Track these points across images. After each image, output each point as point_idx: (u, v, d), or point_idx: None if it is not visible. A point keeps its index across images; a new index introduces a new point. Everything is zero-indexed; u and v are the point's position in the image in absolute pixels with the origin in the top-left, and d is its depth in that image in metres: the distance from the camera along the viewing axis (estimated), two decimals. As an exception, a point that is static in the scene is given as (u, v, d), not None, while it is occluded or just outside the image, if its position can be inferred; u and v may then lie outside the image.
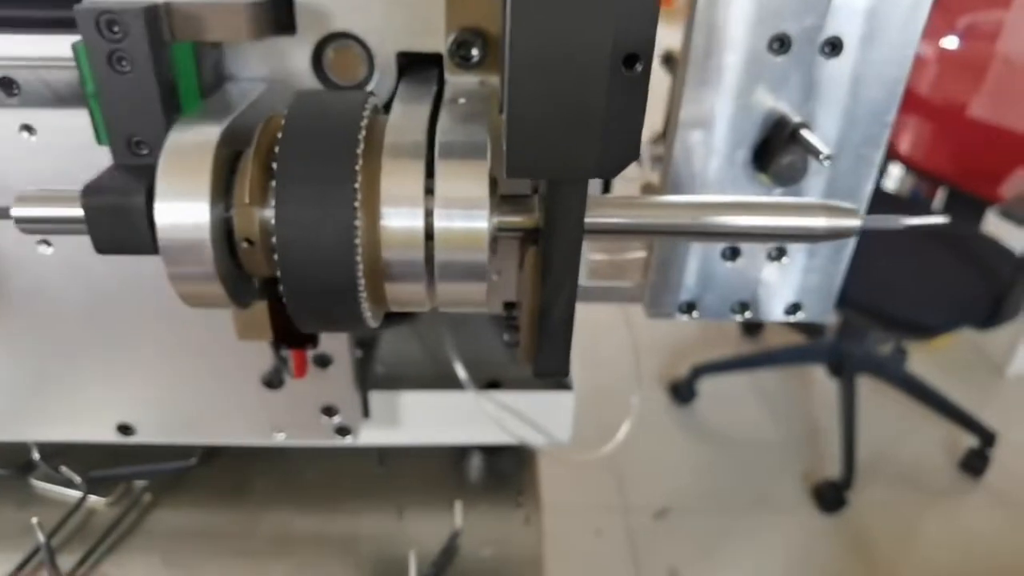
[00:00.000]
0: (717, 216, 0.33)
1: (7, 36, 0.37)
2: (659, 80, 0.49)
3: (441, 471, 0.63)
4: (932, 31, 1.56)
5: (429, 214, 0.29)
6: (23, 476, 0.61)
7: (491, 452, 0.65)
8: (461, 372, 0.56)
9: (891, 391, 1.82)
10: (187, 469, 0.62)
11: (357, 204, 0.28)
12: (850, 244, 0.46)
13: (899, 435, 1.85)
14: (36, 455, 0.61)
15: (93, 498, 0.59)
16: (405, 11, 0.37)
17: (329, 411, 0.53)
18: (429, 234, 0.29)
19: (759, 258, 0.46)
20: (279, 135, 0.29)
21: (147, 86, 0.32)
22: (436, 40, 0.37)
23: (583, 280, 0.50)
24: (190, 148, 0.30)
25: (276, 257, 0.29)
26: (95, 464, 0.60)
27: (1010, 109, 1.46)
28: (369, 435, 0.56)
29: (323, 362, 0.50)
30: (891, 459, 1.78)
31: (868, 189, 0.43)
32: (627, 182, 0.56)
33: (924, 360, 1.97)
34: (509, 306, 0.44)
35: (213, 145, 0.30)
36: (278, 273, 0.29)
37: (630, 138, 0.27)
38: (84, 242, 0.32)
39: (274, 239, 0.28)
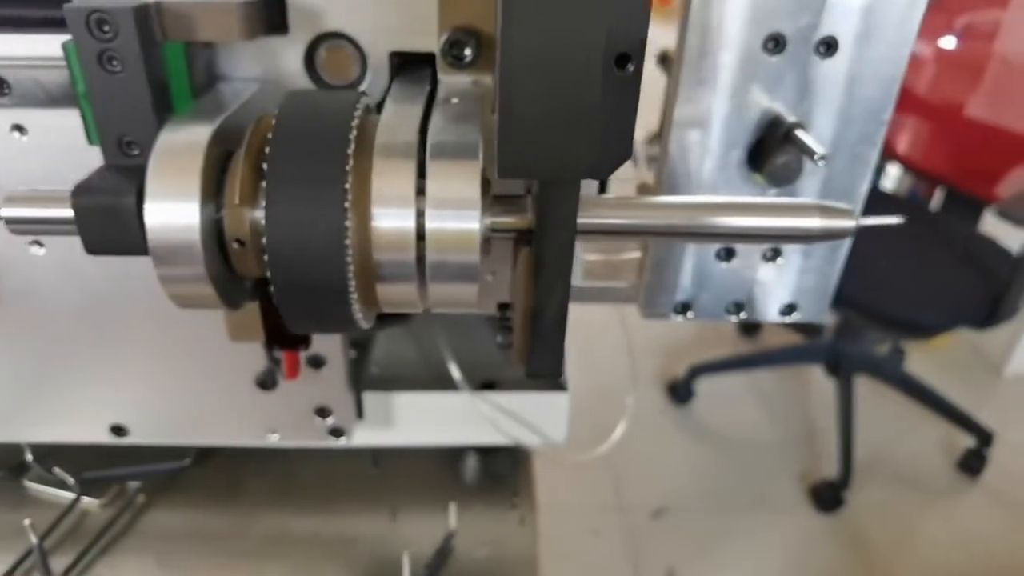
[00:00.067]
0: (711, 217, 0.33)
1: (-2, 35, 0.37)
2: (655, 79, 0.49)
3: (436, 472, 0.63)
4: (930, 31, 1.56)
5: (420, 214, 0.29)
6: (16, 477, 0.61)
7: (486, 453, 0.65)
8: (456, 373, 0.56)
9: (889, 391, 1.82)
10: (181, 470, 0.61)
11: (348, 204, 0.28)
12: (846, 244, 0.46)
13: (897, 435, 1.85)
14: (29, 456, 0.61)
15: (86, 499, 0.59)
16: (398, 11, 0.37)
17: (323, 412, 0.53)
18: (420, 235, 0.29)
19: (754, 259, 0.45)
20: (270, 135, 0.29)
21: (138, 86, 0.32)
22: (429, 40, 0.37)
23: (578, 280, 0.49)
24: (181, 148, 0.30)
25: (266, 258, 0.28)
26: (88, 465, 0.60)
27: (1008, 109, 1.46)
28: (363, 436, 0.56)
29: (316, 363, 0.50)
30: (889, 459, 1.78)
31: (864, 189, 0.43)
32: (622, 182, 0.56)
33: (922, 360, 1.97)
34: (503, 307, 0.44)
35: (204, 145, 0.30)
36: (268, 274, 0.29)
37: (623, 138, 0.27)
38: (76, 243, 0.31)
39: (264, 240, 0.28)
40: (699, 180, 0.42)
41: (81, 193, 0.31)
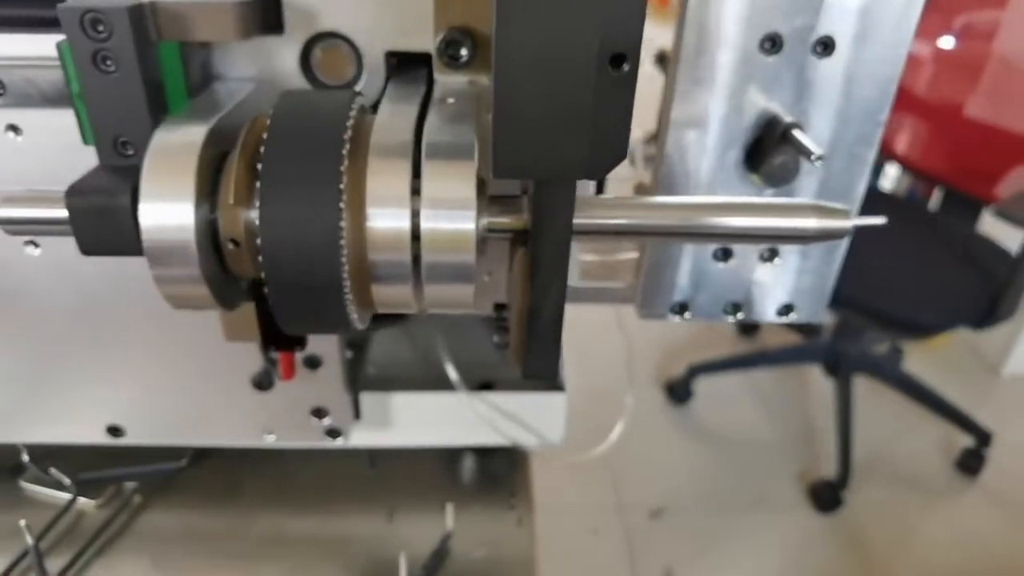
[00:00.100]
0: (707, 217, 0.33)
1: (-7, 35, 0.37)
2: (653, 80, 0.49)
3: (433, 473, 0.63)
4: (929, 31, 1.56)
5: (416, 215, 0.29)
6: (12, 478, 0.61)
7: (483, 453, 0.64)
8: (452, 373, 0.56)
9: (887, 391, 1.82)
10: (177, 471, 0.61)
11: (343, 204, 0.28)
12: (843, 245, 0.46)
13: (895, 435, 1.85)
14: (26, 457, 0.61)
15: (83, 500, 0.59)
16: (394, 10, 0.37)
17: (319, 413, 0.53)
18: (416, 235, 0.29)
19: (751, 259, 0.45)
20: (264, 135, 0.29)
21: (133, 86, 0.32)
22: (425, 39, 0.37)
23: (575, 281, 0.49)
24: (175, 148, 0.30)
25: (260, 258, 0.28)
26: (85, 466, 0.60)
27: (1006, 109, 1.46)
28: (360, 437, 0.56)
29: (313, 364, 0.50)
30: (887, 459, 1.78)
31: (861, 189, 0.43)
32: (620, 182, 0.56)
33: (920, 360, 1.97)
34: (499, 307, 0.44)
35: (198, 146, 0.30)
36: (262, 274, 0.29)
37: (618, 138, 0.27)
38: (72, 243, 0.31)
39: (259, 240, 0.28)
40: (696, 180, 0.42)
41: (75, 193, 0.31)
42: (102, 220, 0.31)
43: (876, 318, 1.44)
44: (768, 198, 0.36)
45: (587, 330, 0.65)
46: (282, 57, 0.38)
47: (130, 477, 0.61)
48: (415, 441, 0.59)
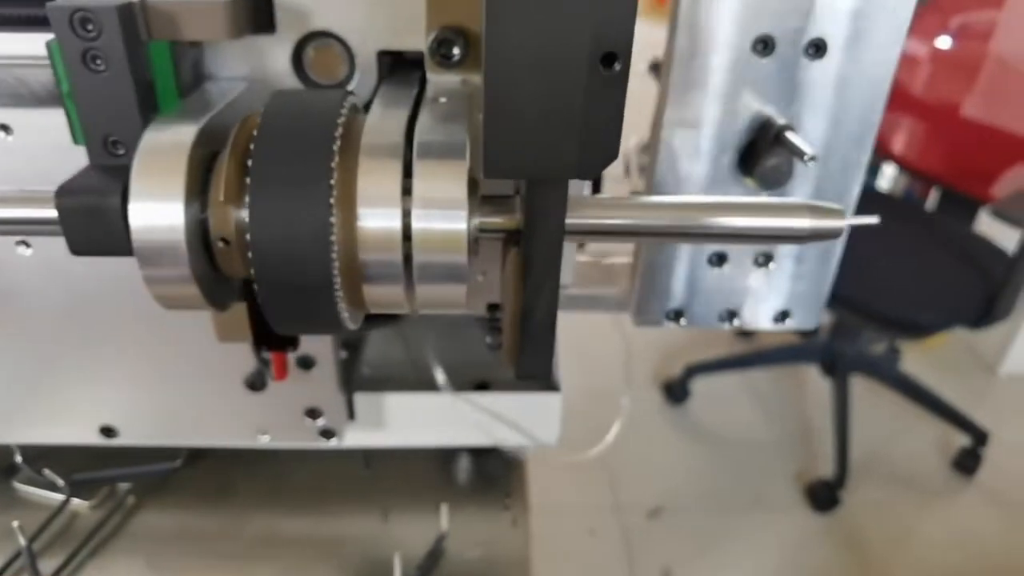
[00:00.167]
0: (700, 217, 0.33)
1: (-18, 34, 0.37)
2: (649, 87, 0.49)
3: (428, 473, 0.63)
4: (926, 30, 1.57)
5: (407, 214, 0.29)
6: (5, 479, 0.60)
7: (479, 454, 0.64)
8: (440, 376, 0.55)
9: (884, 390, 1.82)
10: (171, 471, 0.61)
11: (333, 203, 0.28)
12: (838, 250, 0.46)
13: (892, 434, 1.85)
14: (19, 458, 0.61)
15: (76, 501, 0.59)
16: (386, 9, 0.37)
17: (313, 413, 0.53)
18: (407, 235, 0.29)
19: (746, 264, 0.45)
20: (255, 133, 0.29)
21: (123, 85, 0.32)
22: (417, 39, 0.37)
23: (570, 289, 0.49)
24: (165, 148, 0.30)
25: (251, 256, 0.28)
26: (78, 467, 0.60)
27: (1003, 109, 1.46)
28: (354, 437, 0.56)
29: (306, 364, 0.50)
30: (884, 458, 1.78)
31: (855, 192, 0.43)
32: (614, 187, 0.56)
33: (917, 359, 1.97)
34: (493, 308, 0.44)
35: (188, 145, 0.30)
36: (253, 273, 0.29)
37: (609, 138, 0.27)
38: (63, 243, 0.31)
39: (249, 238, 0.28)
40: (690, 184, 0.42)
41: (65, 194, 0.31)
42: (92, 220, 0.31)
43: (873, 318, 1.44)
44: (761, 198, 0.36)
45: (585, 331, 0.65)
46: (274, 56, 0.38)
47: (124, 478, 0.60)
48: (410, 441, 0.59)
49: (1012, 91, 1.46)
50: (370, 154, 0.29)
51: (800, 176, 0.42)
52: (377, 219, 0.29)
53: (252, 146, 0.28)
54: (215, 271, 0.32)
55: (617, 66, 0.25)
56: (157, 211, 0.29)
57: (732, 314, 0.47)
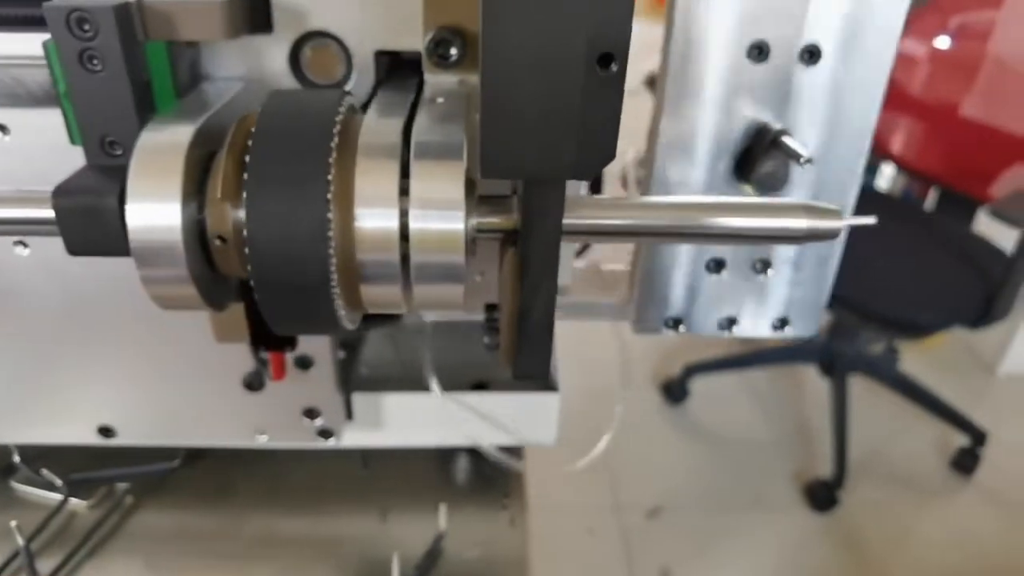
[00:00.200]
0: (697, 217, 0.33)
1: (-21, 35, 0.37)
2: (644, 101, 0.49)
3: (426, 473, 0.63)
4: (925, 30, 1.57)
5: (404, 214, 0.29)
6: (3, 479, 0.60)
7: (477, 454, 0.64)
8: (432, 380, 0.55)
9: (883, 390, 1.82)
10: (169, 471, 0.61)
11: (330, 203, 0.28)
12: (836, 257, 0.46)
13: (891, 434, 1.85)
14: (17, 458, 0.61)
15: (74, 501, 0.59)
16: (383, 9, 0.37)
17: (311, 413, 0.53)
18: (404, 235, 0.29)
19: (744, 271, 0.45)
20: (252, 132, 0.29)
21: (119, 85, 0.32)
22: (415, 39, 0.37)
23: (568, 297, 0.49)
24: (162, 148, 0.30)
25: (247, 253, 0.28)
26: (76, 466, 0.60)
27: (1001, 109, 1.46)
28: (353, 437, 0.56)
29: (304, 364, 0.50)
30: (883, 458, 1.78)
31: (852, 196, 0.43)
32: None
33: (916, 359, 1.97)
34: (490, 308, 0.44)
35: (185, 145, 0.30)
36: (250, 272, 0.29)
37: (606, 139, 0.27)
38: (60, 243, 0.31)
39: (246, 237, 0.28)
40: (686, 190, 0.42)
41: (62, 194, 0.31)
42: (89, 220, 0.31)
43: (871, 318, 1.44)
44: (759, 198, 0.36)
45: (583, 331, 0.65)
46: (271, 56, 0.38)
47: (122, 478, 0.60)
48: (408, 441, 0.59)
49: (1011, 91, 1.46)
50: (367, 154, 0.29)
51: (797, 182, 0.42)
52: (374, 219, 0.29)
53: (249, 145, 0.28)
54: (212, 271, 0.32)
55: (614, 66, 0.25)
56: (154, 211, 0.29)
57: (731, 321, 0.47)
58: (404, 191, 0.29)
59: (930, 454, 1.79)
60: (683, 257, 0.45)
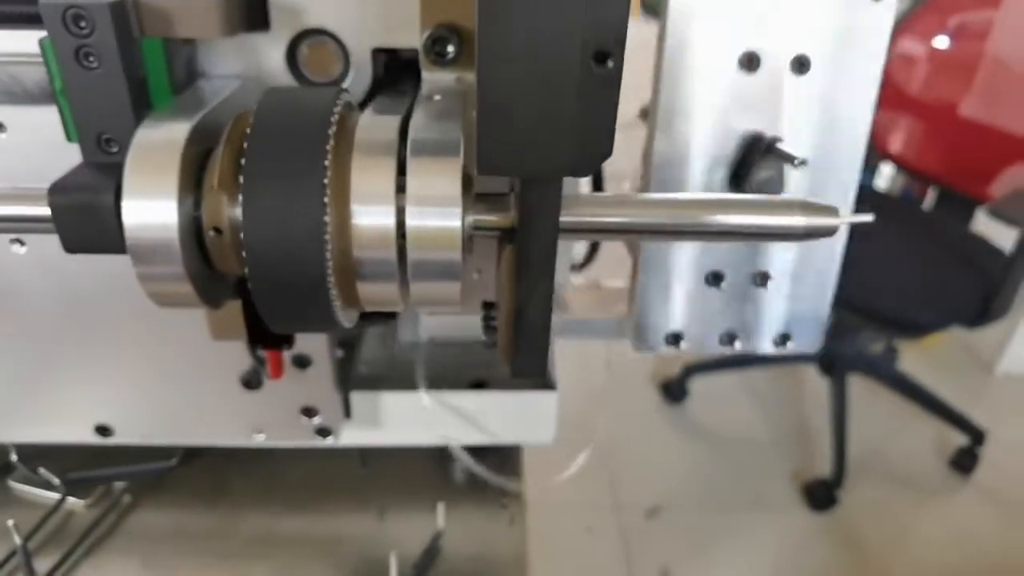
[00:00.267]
0: (695, 214, 0.32)
1: (-26, 32, 0.37)
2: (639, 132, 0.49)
3: (424, 472, 0.63)
4: (923, 30, 1.57)
5: (401, 212, 0.29)
6: (1, 478, 0.60)
7: (476, 453, 0.64)
8: (421, 381, 0.55)
9: (882, 390, 1.83)
10: (167, 470, 0.61)
11: (327, 200, 0.28)
12: (835, 271, 0.46)
13: (889, 433, 1.85)
14: (14, 457, 0.61)
15: (72, 500, 0.59)
16: (381, 7, 0.37)
17: (309, 412, 0.53)
18: (401, 232, 0.29)
19: (744, 284, 0.45)
20: (248, 130, 0.29)
21: (116, 82, 0.32)
22: (412, 36, 0.37)
23: (567, 315, 0.49)
24: (158, 145, 0.30)
25: (244, 250, 0.28)
26: (74, 465, 0.60)
27: (1000, 108, 1.46)
28: (351, 436, 0.56)
29: (302, 363, 0.50)
30: (882, 457, 1.78)
31: (850, 201, 0.43)
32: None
33: (914, 359, 1.97)
34: (488, 306, 0.44)
35: (182, 143, 0.30)
36: (246, 270, 0.29)
37: (603, 136, 0.27)
38: (57, 241, 0.31)
39: (242, 234, 0.28)
40: None
41: (58, 191, 0.31)
42: (85, 218, 0.31)
43: (870, 317, 1.44)
44: (756, 196, 0.36)
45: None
46: (268, 54, 0.38)
47: (119, 477, 0.60)
48: (406, 440, 0.59)
49: (1009, 91, 1.46)
50: (364, 151, 0.29)
51: (793, 189, 0.42)
52: (371, 216, 0.29)
53: (245, 142, 0.28)
54: (209, 268, 0.32)
55: (610, 63, 0.25)
56: (150, 208, 0.29)
57: (732, 337, 0.47)
58: (401, 188, 0.29)
59: (929, 453, 1.79)
60: (681, 271, 0.45)
